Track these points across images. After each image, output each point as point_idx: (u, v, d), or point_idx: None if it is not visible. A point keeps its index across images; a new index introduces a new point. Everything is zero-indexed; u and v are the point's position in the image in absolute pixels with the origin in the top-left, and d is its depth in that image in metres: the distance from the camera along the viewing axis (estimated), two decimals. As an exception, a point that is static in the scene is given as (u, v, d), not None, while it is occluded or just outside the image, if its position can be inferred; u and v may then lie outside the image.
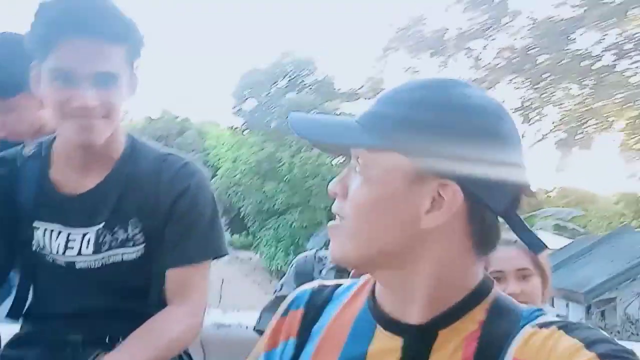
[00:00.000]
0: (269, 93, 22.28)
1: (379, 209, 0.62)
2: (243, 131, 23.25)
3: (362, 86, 17.43)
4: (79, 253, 1.10)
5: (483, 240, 0.63)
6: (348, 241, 0.65)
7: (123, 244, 1.10)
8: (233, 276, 16.41)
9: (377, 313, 0.67)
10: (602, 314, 11.39)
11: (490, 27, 17.51)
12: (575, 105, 17.75)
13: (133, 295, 1.12)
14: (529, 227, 0.63)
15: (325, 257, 1.79)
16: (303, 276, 1.75)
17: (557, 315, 0.65)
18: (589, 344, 0.54)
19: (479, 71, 18.11)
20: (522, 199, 0.63)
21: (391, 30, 17.98)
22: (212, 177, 19.37)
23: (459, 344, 0.61)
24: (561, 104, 18.04)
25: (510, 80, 17.96)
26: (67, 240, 1.10)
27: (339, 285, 0.77)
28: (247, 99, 22.81)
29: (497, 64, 17.78)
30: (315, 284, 0.80)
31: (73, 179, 1.11)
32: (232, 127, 24.30)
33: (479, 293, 0.64)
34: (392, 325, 0.65)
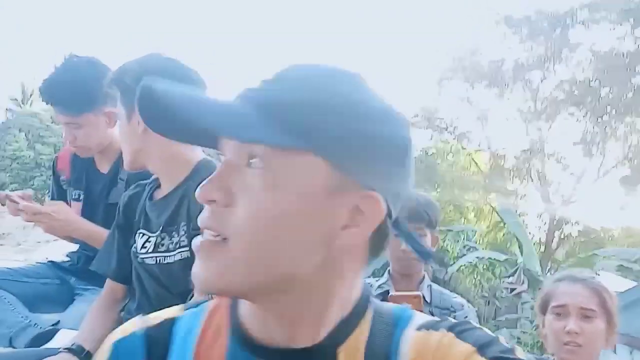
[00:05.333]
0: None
1: (288, 224, 0.49)
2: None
3: (417, 115, 17.35)
4: (146, 252, 1.28)
5: (378, 248, 0.56)
6: (235, 266, 0.50)
7: (175, 246, 1.24)
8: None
9: (253, 345, 0.55)
10: (669, 363, 10.58)
11: (549, 58, 17.12)
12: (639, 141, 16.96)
13: (184, 297, 1.18)
14: (414, 235, 0.57)
15: (370, 285, 1.78)
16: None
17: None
18: (481, 347, 0.53)
19: (537, 103, 17.66)
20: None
21: (447, 59, 17.88)
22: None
23: (361, 356, 0.55)
24: (625, 139, 17.27)
25: (571, 113, 17.40)
26: (145, 242, 1.30)
27: (172, 319, 0.61)
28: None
29: (557, 97, 17.30)
30: (135, 324, 0.61)
31: (159, 194, 1.33)
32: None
33: (364, 301, 0.58)
34: (280, 355, 0.54)
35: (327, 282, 0.53)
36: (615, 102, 16.26)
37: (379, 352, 0.56)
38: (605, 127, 17.02)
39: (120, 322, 1.30)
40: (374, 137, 0.51)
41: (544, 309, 1.47)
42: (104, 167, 1.77)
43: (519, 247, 10.33)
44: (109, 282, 1.38)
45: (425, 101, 18.33)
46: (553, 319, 1.41)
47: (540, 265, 11.25)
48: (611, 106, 16.51)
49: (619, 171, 17.53)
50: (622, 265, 11.72)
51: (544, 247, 15.80)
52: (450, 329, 0.56)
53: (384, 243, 0.56)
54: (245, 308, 0.57)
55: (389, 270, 1.80)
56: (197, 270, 0.52)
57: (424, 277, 1.76)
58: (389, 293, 1.72)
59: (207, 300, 0.62)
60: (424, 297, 1.67)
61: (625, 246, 15.05)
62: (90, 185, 1.79)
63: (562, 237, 16.86)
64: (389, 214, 0.54)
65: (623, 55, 15.92)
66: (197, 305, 0.62)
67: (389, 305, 0.61)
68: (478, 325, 0.57)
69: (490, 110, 17.61)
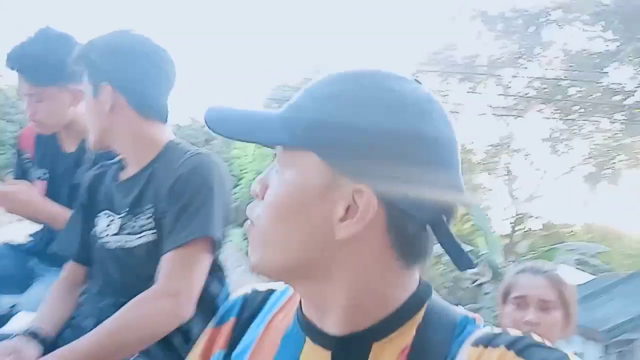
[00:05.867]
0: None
1: (290, 213, 0.57)
2: (268, 144, 23.36)
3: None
4: (109, 235, 1.23)
5: (407, 250, 0.57)
6: (262, 247, 0.60)
7: (141, 229, 1.19)
8: (244, 280, 16.39)
9: (305, 324, 0.62)
10: (621, 354, 11.03)
11: (522, 56, 17.39)
12: (605, 139, 17.45)
13: (149, 281, 1.16)
14: (457, 240, 0.57)
15: None
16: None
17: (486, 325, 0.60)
18: None
19: (508, 99, 17.96)
20: (453, 209, 0.57)
21: (422, 53, 18.00)
22: (235, 186, 19.46)
23: (394, 358, 0.57)
24: (591, 138, 17.75)
25: (540, 110, 17.76)
26: (108, 224, 1.25)
27: (272, 291, 0.72)
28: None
29: (527, 93, 17.62)
30: (248, 289, 0.75)
31: (124, 175, 1.28)
32: (257, 139, 24.44)
33: (413, 303, 0.59)
34: (320, 337, 0.60)
35: (341, 274, 0.57)
36: (583, 101, 16.66)
37: (426, 358, 0.56)
38: (572, 125, 17.45)
39: (80, 305, 1.28)
40: (368, 134, 0.54)
41: (504, 300, 1.50)
42: (70, 147, 1.72)
43: (484, 239, 10.53)
44: (69, 264, 1.33)
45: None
46: (513, 310, 1.45)
47: (504, 257, 11.51)
48: (579, 105, 16.92)
49: (583, 169, 18.03)
50: (581, 259, 12.08)
51: (508, 240, 16.19)
52: (510, 346, 0.53)
53: (416, 247, 0.57)
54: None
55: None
56: (248, 252, 0.62)
57: None
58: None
59: None
60: None
61: (585, 241, 15.51)
62: (55, 164, 1.74)
63: (526, 230, 17.28)
64: (410, 216, 0.55)
65: (593, 55, 16.30)
66: (288, 288, 0.71)
67: (454, 313, 0.60)
68: (539, 340, 0.54)
69: (462, 104, 17.84)
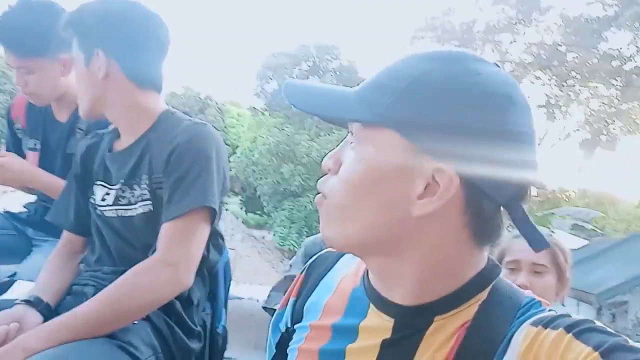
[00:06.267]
0: (291, 76, 22.21)
1: (368, 189, 0.58)
2: (263, 112, 23.27)
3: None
4: (106, 205, 1.23)
5: (481, 230, 0.58)
6: (339, 223, 0.61)
7: (137, 199, 1.19)
8: (246, 252, 16.55)
9: (370, 291, 0.65)
10: (613, 316, 11.27)
11: (520, 21, 17.16)
12: (601, 105, 17.39)
13: (146, 250, 1.16)
14: (532, 221, 0.58)
15: None
16: (311, 257, 1.77)
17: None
18: (605, 353, 0.47)
19: (505, 65, 17.79)
20: (528, 190, 0.58)
21: (420, 19, 17.74)
22: (231, 155, 19.40)
23: (453, 332, 0.58)
24: (587, 104, 17.69)
25: (537, 77, 17.64)
26: (104, 195, 1.24)
27: (343, 254, 0.76)
28: (269, 80, 22.78)
29: (525, 59, 17.46)
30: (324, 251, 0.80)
31: (119, 145, 1.26)
32: (252, 108, 24.32)
33: (479, 282, 0.60)
34: (385, 305, 0.63)
35: (414, 251, 0.59)
36: (580, 67, 16.54)
37: (484, 336, 0.57)
38: (569, 91, 17.36)
39: (79, 274, 1.29)
40: (452, 116, 0.54)
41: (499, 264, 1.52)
42: (62, 116, 1.70)
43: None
44: (66, 234, 1.33)
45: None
46: (506, 274, 1.47)
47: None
48: (576, 71, 16.79)
49: (579, 135, 18.04)
50: (576, 224, 12.20)
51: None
52: (569, 328, 0.52)
53: (491, 228, 0.58)
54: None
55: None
56: (320, 225, 0.64)
57: None
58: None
59: None
60: None
61: (580, 207, 15.65)
62: (48, 134, 1.72)
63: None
64: (488, 197, 0.56)
65: (591, 21, 16.09)
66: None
67: (520, 295, 0.61)
68: (600, 324, 0.53)
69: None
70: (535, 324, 0.54)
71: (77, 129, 1.64)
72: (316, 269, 0.77)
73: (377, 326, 0.63)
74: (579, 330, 0.51)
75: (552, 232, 2.00)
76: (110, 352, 1.02)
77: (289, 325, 0.77)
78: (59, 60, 1.59)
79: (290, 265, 1.81)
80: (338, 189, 0.60)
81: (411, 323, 0.61)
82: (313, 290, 0.74)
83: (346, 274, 0.72)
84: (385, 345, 0.62)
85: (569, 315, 0.55)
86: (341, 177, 0.60)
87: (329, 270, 0.75)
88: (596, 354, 0.48)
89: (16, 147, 1.77)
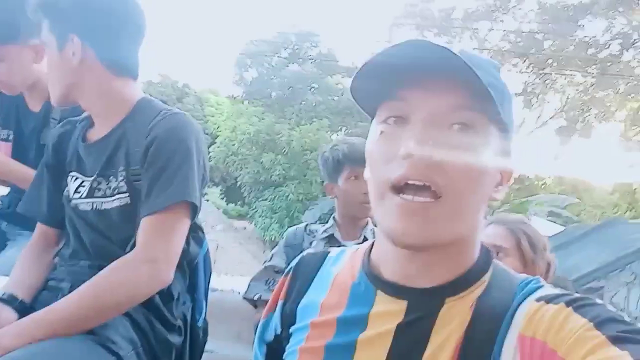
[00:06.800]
0: (271, 64, 22.05)
1: (479, 184, 0.59)
2: (243, 101, 23.07)
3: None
4: (80, 197, 1.19)
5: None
6: (447, 223, 0.58)
7: (113, 192, 1.15)
8: (227, 243, 16.47)
9: (376, 279, 0.66)
10: (589, 301, 11.54)
11: (498, 9, 17.26)
12: (577, 93, 17.66)
13: (123, 244, 1.14)
14: None
15: (316, 230, 1.81)
16: (293, 248, 1.76)
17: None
18: (599, 324, 0.51)
19: (483, 53, 17.92)
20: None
21: (398, 6, 17.73)
22: (210, 145, 19.23)
23: (464, 313, 0.61)
24: (564, 91, 17.94)
25: (514, 64, 17.80)
26: (78, 186, 1.20)
27: (328, 252, 0.77)
28: (248, 68, 22.58)
29: (502, 47, 17.60)
30: (305, 252, 0.80)
31: (93, 135, 1.22)
32: (232, 96, 24.10)
33: (483, 265, 0.64)
34: (395, 289, 0.64)
35: (473, 239, 0.63)
36: (557, 54, 16.74)
37: (490, 313, 0.59)
38: (546, 79, 17.58)
39: (54, 268, 1.25)
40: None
41: None
42: (35, 106, 1.65)
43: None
44: (39, 226, 1.29)
45: (375, 47, 18.20)
46: None
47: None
48: (553, 59, 17.00)
49: (555, 122, 18.30)
50: (552, 211, 12.41)
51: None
52: (569, 303, 0.55)
53: None
54: (379, 252, 0.67)
55: (334, 216, 1.81)
56: (415, 226, 0.58)
57: (367, 222, 1.79)
58: (333, 237, 1.75)
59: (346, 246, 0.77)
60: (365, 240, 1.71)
61: (556, 194, 15.91)
62: (21, 124, 1.67)
63: (500, 184, 17.54)
64: None
65: (567, 8, 16.27)
66: (343, 250, 0.76)
67: (515, 274, 0.65)
68: (600, 301, 0.56)
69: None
70: (539, 300, 0.58)
71: (51, 119, 1.59)
72: (302, 270, 0.76)
73: (388, 310, 0.63)
74: (578, 305, 0.54)
75: (529, 219, 2.02)
76: (89, 349, 1.00)
77: (279, 331, 0.75)
78: (30, 47, 1.54)
79: (272, 256, 1.80)
80: (459, 184, 0.57)
81: (424, 304, 0.62)
82: (306, 291, 0.73)
83: (339, 270, 0.72)
84: (400, 328, 0.62)
85: (572, 294, 0.58)
86: (458, 174, 0.57)
87: (318, 270, 0.74)
88: (591, 324, 0.51)
89: None
